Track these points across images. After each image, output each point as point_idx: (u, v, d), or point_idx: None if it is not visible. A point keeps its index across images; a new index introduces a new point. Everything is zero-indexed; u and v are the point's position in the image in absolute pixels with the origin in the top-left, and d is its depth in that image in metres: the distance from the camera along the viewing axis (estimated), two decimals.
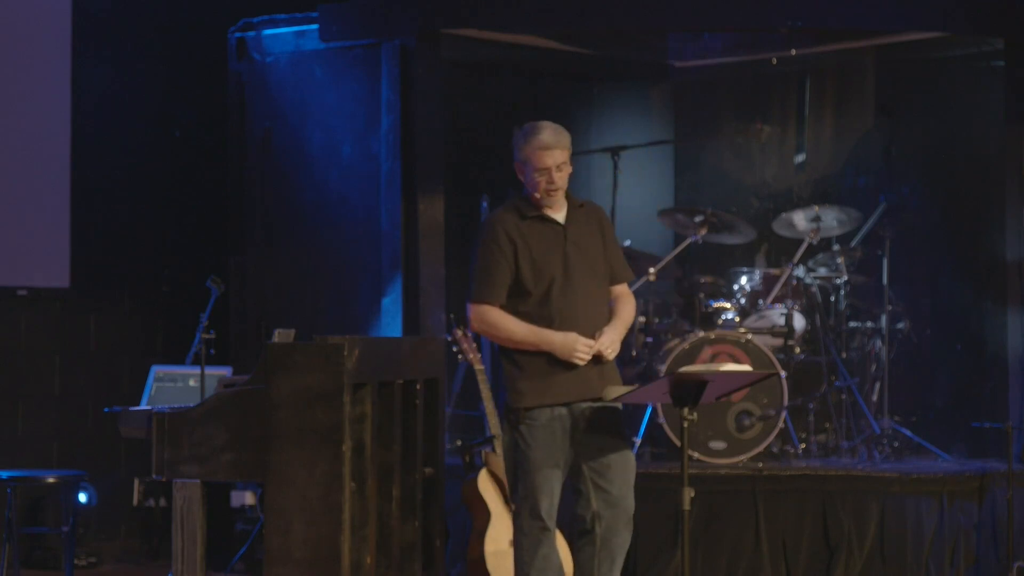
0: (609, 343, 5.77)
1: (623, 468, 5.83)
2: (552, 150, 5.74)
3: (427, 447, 6.15)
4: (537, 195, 5.79)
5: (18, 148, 8.73)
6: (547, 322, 5.75)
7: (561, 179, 5.77)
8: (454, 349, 7.47)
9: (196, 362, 6.81)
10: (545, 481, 5.74)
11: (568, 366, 5.73)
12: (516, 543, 5.84)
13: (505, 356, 5.83)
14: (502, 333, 5.76)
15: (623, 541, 5.84)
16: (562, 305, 5.76)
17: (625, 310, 5.95)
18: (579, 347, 5.67)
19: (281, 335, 5.96)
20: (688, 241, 9.03)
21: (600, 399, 5.78)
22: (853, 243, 9.13)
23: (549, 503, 5.77)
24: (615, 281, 5.97)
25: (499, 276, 5.76)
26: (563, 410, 5.76)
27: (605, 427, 5.83)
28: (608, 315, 5.90)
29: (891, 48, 9.22)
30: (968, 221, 9.25)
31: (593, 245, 5.89)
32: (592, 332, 5.79)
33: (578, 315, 5.77)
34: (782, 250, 9.32)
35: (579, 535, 5.84)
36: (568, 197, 5.89)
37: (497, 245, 5.76)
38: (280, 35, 9.06)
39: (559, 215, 5.85)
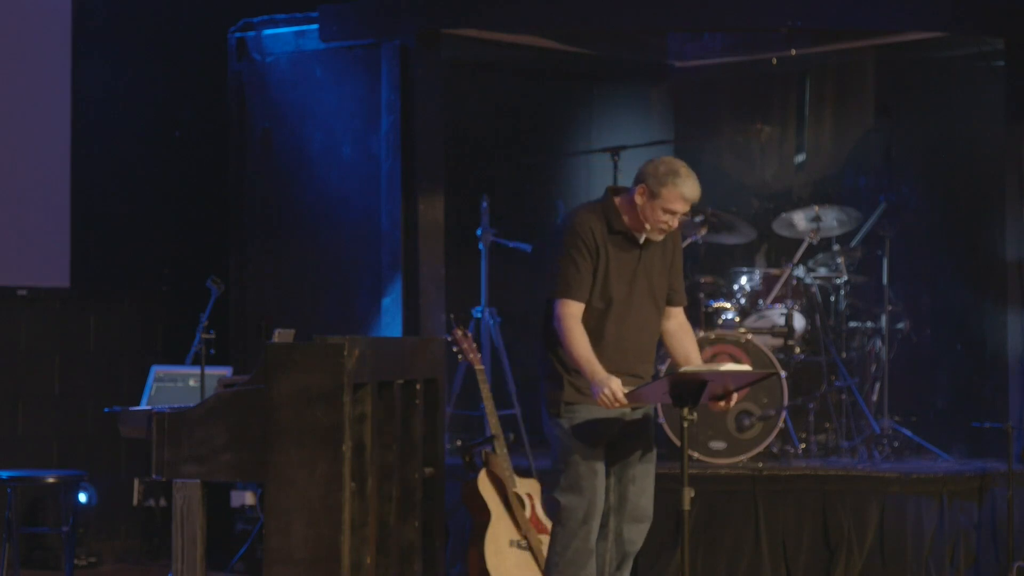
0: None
1: (646, 471, 5.90)
2: (690, 202, 5.73)
3: (427, 447, 6.15)
4: (647, 227, 5.75)
5: (18, 148, 8.73)
6: (598, 338, 5.75)
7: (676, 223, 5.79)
8: (454, 349, 7.47)
9: (196, 362, 6.81)
10: (584, 475, 5.75)
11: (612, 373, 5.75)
12: (552, 533, 5.84)
13: (552, 351, 5.82)
14: (568, 340, 5.69)
15: (637, 538, 5.88)
16: (617, 328, 5.77)
17: (696, 351, 6.00)
18: (607, 392, 5.59)
19: (281, 335, 5.96)
20: (688, 241, 9.03)
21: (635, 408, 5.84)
22: (853, 243, 9.13)
23: (588, 495, 5.77)
24: (672, 303, 5.97)
25: (588, 276, 5.74)
26: (600, 412, 5.77)
27: (638, 428, 5.88)
28: (657, 338, 5.93)
29: (891, 48, 9.21)
30: (968, 221, 9.25)
31: (658, 268, 5.88)
32: (641, 357, 5.83)
33: (629, 340, 5.79)
34: (782, 250, 9.32)
35: None
36: None
37: (586, 247, 5.73)
38: (280, 35, 9.06)
39: (640, 235, 5.83)
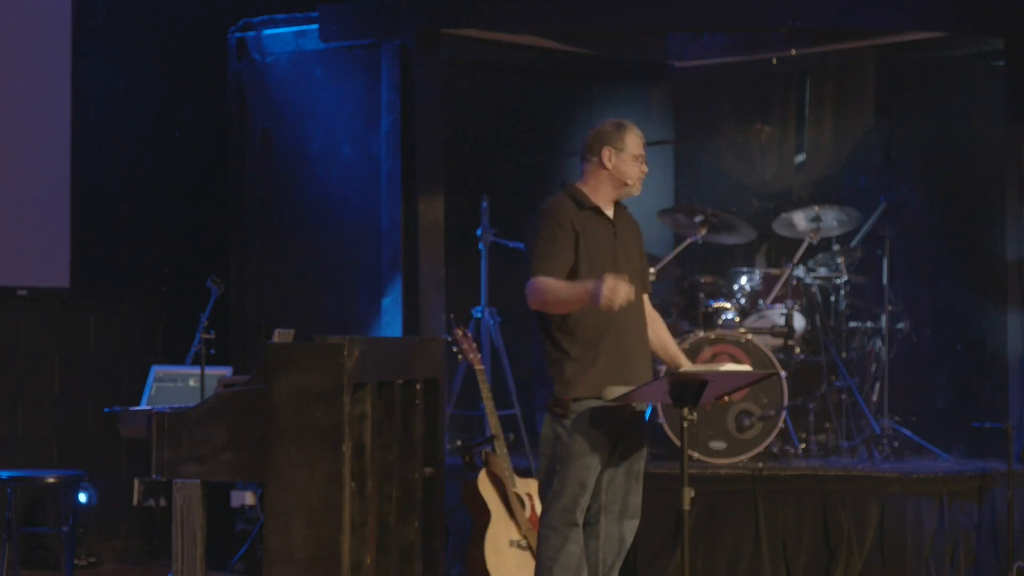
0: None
1: (642, 468, 5.90)
2: (642, 139, 5.99)
3: (427, 447, 6.15)
4: (629, 182, 5.89)
5: (18, 148, 8.73)
6: (599, 317, 5.70)
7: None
8: (454, 349, 7.47)
9: (196, 362, 6.82)
10: (584, 476, 5.74)
11: (618, 361, 5.74)
12: (542, 537, 5.81)
13: (553, 345, 5.78)
14: (550, 296, 5.63)
15: (630, 536, 5.87)
16: (608, 313, 5.75)
17: (670, 337, 6.10)
18: (607, 287, 5.46)
19: (281, 335, 5.96)
20: (688, 241, 9.04)
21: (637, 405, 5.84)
22: (853, 243, 9.13)
23: (583, 499, 5.76)
24: (643, 291, 6.01)
25: (562, 254, 5.73)
26: (608, 404, 5.75)
27: (637, 425, 5.87)
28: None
29: (891, 48, 9.22)
30: (968, 221, 9.25)
31: (633, 249, 5.96)
32: (640, 332, 5.86)
33: (625, 315, 5.76)
34: (782, 250, 9.32)
35: (583, 526, 5.86)
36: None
37: (561, 228, 5.76)
38: (280, 35, 9.06)
39: (609, 211, 5.91)
